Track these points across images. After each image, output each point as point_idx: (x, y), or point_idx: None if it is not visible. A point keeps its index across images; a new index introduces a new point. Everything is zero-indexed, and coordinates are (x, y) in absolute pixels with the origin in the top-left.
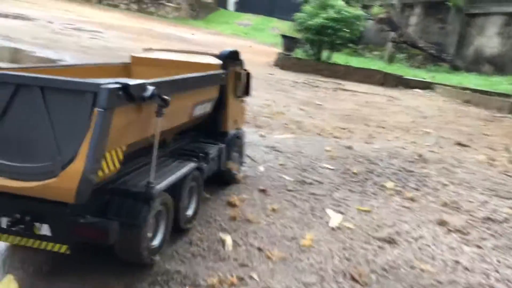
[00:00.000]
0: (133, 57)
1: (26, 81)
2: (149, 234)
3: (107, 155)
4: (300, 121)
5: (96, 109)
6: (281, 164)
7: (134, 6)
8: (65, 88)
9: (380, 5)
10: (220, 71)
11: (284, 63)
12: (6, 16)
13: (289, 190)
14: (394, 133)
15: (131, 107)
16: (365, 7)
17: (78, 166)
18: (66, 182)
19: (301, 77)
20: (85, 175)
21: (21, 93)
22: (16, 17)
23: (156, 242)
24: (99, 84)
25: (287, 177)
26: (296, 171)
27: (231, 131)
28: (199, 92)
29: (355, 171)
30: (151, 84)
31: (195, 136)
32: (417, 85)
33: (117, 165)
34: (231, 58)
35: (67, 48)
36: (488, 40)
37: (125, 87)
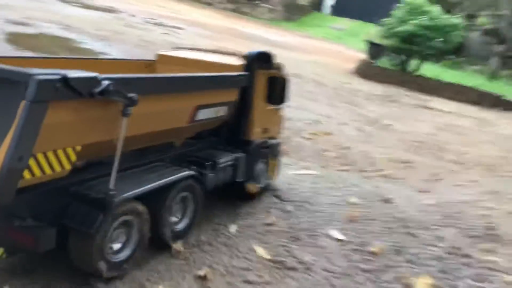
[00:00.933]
0: (159, 55)
1: None
2: (112, 245)
3: (47, 154)
4: (347, 147)
5: (23, 102)
6: (268, 224)
7: (230, 6)
8: (2, 76)
9: (488, 15)
10: (238, 73)
11: (365, 71)
12: (96, 8)
13: (248, 283)
14: (471, 173)
15: (78, 102)
16: (470, 16)
17: None
18: None
19: (380, 89)
20: (3, 172)
21: None
22: (104, 9)
23: (122, 255)
24: (31, 74)
25: (261, 251)
26: (282, 239)
27: (257, 140)
28: (203, 94)
29: (374, 249)
30: (108, 79)
31: (214, 142)
32: None
33: (66, 166)
34: (261, 60)
35: (126, 41)
36: None
37: (64, 79)
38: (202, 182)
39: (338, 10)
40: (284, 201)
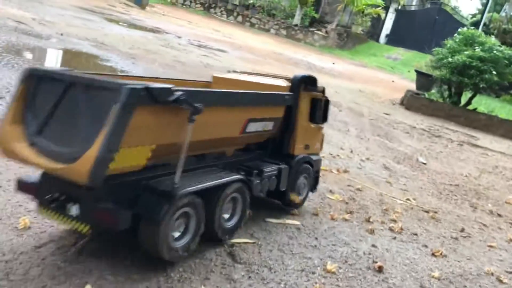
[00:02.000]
0: (214, 77)
1: (75, 79)
2: (173, 233)
3: (131, 149)
4: (360, 189)
5: (115, 105)
6: None
7: (283, 32)
8: (100, 86)
9: None
10: (284, 93)
11: (411, 103)
12: (143, 29)
13: None
14: (510, 231)
15: (160, 108)
16: None
17: (92, 153)
18: (81, 166)
19: (425, 122)
20: (98, 161)
21: (72, 89)
22: (150, 30)
23: (182, 242)
24: (122, 83)
25: None
26: None
27: (300, 155)
28: (254, 109)
29: None
30: (180, 90)
31: (260, 154)
32: None
33: (142, 161)
34: (306, 83)
35: (157, 61)
36: None
37: (148, 88)
38: (250, 187)
39: (394, 40)
40: (237, 262)
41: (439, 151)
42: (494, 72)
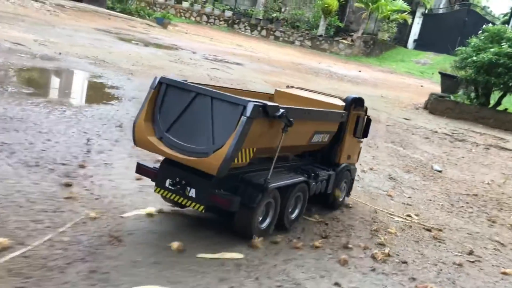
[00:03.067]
0: (276, 91)
1: (203, 91)
2: (259, 218)
3: (243, 150)
4: (351, 206)
5: (242, 116)
6: None
7: (308, 43)
8: (226, 100)
9: None
10: (341, 111)
11: (435, 106)
12: (158, 46)
13: None
14: None
15: (266, 120)
16: None
17: (223, 151)
18: (214, 160)
19: (449, 126)
20: (227, 158)
21: (198, 99)
22: (163, 47)
23: (263, 225)
24: (248, 100)
25: None
26: None
27: (343, 164)
28: (320, 123)
29: None
30: (283, 108)
31: (312, 161)
32: None
33: (247, 160)
34: (356, 103)
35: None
36: None
37: (264, 106)
38: (309, 187)
39: (422, 44)
40: None
41: (461, 156)
42: None
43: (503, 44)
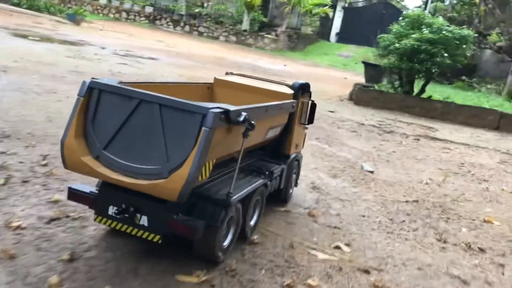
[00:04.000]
0: (216, 79)
1: (148, 97)
2: (222, 236)
3: (205, 165)
4: (254, 243)
5: (203, 128)
6: None
7: (233, 38)
8: (180, 108)
9: (499, 33)
10: (292, 100)
11: (360, 97)
12: (60, 42)
13: None
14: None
15: (227, 128)
16: (480, 34)
17: (184, 171)
18: (173, 184)
19: (376, 117)
20: (189, 179)
21: (143, 106)
22: (69, 43)
23: (226, 242)
24: (207, 108)
25: None
26: None
27: (292, 154)
28: (274, 118)
29: None
30: (244, 110)
31: (261, 156)
32: None
33: (208, 174)
34: (303, 89)
35: (43, 72)
36: None
37: (227, 112)
38: (267, 189)
39: (344, 38)
40: None
41: (391, 151)
42: (446, 55)
43: (423, 29)
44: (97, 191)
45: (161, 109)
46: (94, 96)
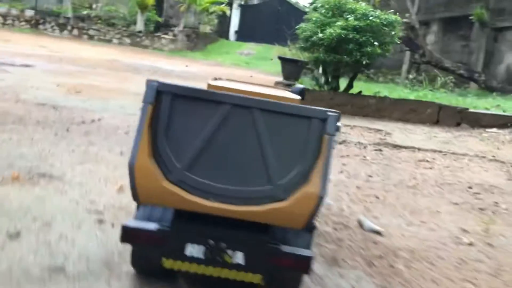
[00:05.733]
0: (210, 85)
1: (243, 102)
2: None
3: None
4: None
5: (326, 135)
6: None
7: (127, 40)
8: (289, 112)
9: None
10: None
11: None
12: None
13: None
14: None
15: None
16: None
17: (311, 189)
18: (298, 206)
19: None
20: (319, 198)
21: (235, 113)
22: None
23: None
24: (325, 111)
25: None
26: None
27: None
28: None
29: None
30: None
31: None
32: (491, 122)
33: None
34: (302, 95)
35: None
36: None
37: (339, 115)
38: None
39: (243, 36)
40: None
41: (366, 175)
42: (376, 43)
43: (348, 16)
44: (167, 227)
45: (263, 115)
46: (165, 103)
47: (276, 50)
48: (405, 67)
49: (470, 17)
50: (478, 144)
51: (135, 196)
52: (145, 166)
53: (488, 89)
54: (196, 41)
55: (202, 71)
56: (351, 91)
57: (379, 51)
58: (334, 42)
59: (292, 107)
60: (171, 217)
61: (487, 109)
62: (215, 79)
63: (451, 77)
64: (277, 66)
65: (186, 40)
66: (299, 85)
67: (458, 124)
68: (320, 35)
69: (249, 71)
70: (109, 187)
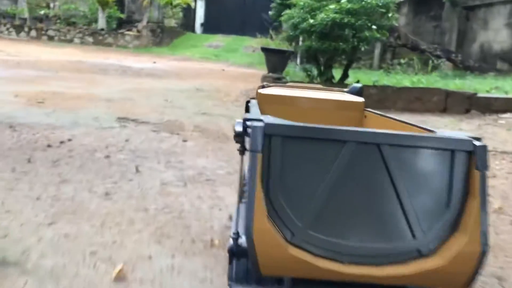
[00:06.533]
0: (261, 94)
1: (371, 138)
2: None
3: None
4: None
5: (478, 171)
6: None
7: (90, 39)
8: (426, 146)
9: None
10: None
11: None
12: None
13: None
14: None
15: None
16: None
17: (468, 241)
18: (455, 264)
19: None
20: (482, 254)
21: (360, 152)
22: None
23: None
24: (471, 141)
25: None
26: None
27: None
28: None
29: None
30: None
31: None
32: (503, 107)
33: None
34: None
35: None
36: (496, 34)
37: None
38: None
39: (209, 28)
40: None
41: None
42: (374, 27)
43: None
44: None
45: (394, 151)
46: (276, 148)
47: (248, 42)
48: (377, 51)
49: None
50: (504, 133)
51: (257, 268)
52: (263, 228)
53: (465, 69)
54: (162, 36)
55: (173, 67)
56: (347, 82)
57: (377, 35)
58: (328, 28)
59: (428, 139)
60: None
61: (487, 92)
62: (263, 86)
63: (428, 58)
64: (248, 57)
65: (151, 36)
66: (356, 84)
67: (467, 111)
68: (311, 21)
69: (219, 64)
70: (101, 273)
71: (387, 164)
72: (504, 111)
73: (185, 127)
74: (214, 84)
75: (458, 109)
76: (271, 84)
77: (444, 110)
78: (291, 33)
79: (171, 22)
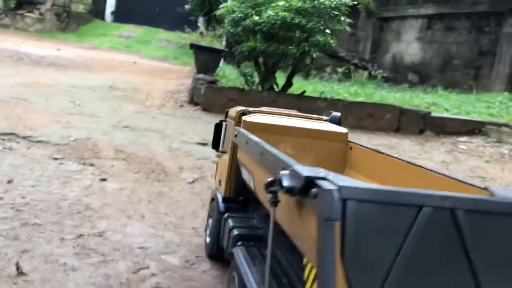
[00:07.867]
0: (246, 122)
1: (446, 203)
2: None
3: None
4: None
5: None
6: None
7: None
8: (499, 211)
9: None
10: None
11: (210, 99)
12: None
13: None
14: None
15: None
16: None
17: None
18: None
19: None
20: None
21: (438, 219)
22: None
23: None
24: None
25: None
26: None
27: None
28: None
29: None
30: None
31: None
32: (457, 129)
33: None
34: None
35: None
36: (407, 46)
37: None
38: None
39: (121, 17)
40: None
41: None
42: (328, 31)
43: None
44: None
45: (468, 217)
46: (351, 215)
47: (162, 34)
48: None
49: (357, 6)
50: (486, 166)
51: None
52: None
53: (380, 79)
54: (68, 22)
55: (80, 56)
56: (290, 91)
57: (330, 41)
58: (277, 28)
59: (500, 205)
60: None
61: (427, 108)
62: (243, 113)
63: (344, 67)
64: (162, 50)
65: (56, 20)
66: (335, 113)
67: (421, 132)
68: (256, 18)
69: (131, 56)
70: None
71: (461, 229)
72: (459, 133)
73: (102, 152)
74: (130, 80)
75: (412, 128)
76: (250, 109)
77: (397, 129)
78: (231, 30)
79: (79, 8)
